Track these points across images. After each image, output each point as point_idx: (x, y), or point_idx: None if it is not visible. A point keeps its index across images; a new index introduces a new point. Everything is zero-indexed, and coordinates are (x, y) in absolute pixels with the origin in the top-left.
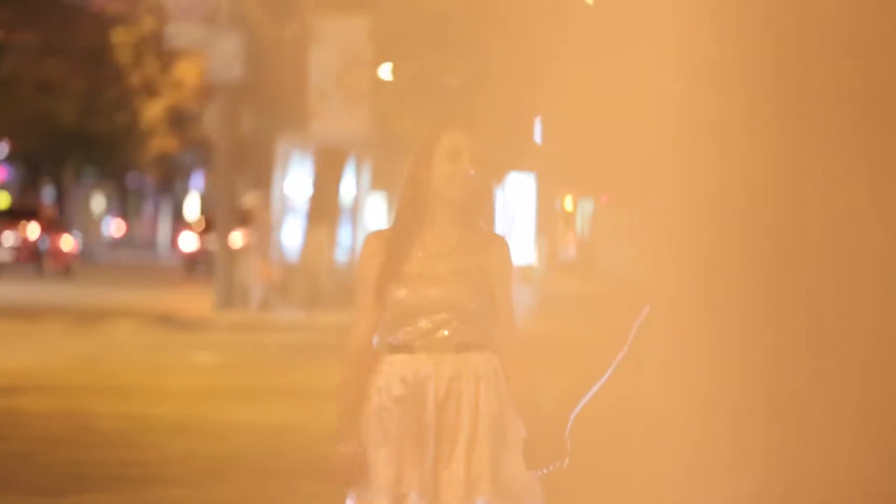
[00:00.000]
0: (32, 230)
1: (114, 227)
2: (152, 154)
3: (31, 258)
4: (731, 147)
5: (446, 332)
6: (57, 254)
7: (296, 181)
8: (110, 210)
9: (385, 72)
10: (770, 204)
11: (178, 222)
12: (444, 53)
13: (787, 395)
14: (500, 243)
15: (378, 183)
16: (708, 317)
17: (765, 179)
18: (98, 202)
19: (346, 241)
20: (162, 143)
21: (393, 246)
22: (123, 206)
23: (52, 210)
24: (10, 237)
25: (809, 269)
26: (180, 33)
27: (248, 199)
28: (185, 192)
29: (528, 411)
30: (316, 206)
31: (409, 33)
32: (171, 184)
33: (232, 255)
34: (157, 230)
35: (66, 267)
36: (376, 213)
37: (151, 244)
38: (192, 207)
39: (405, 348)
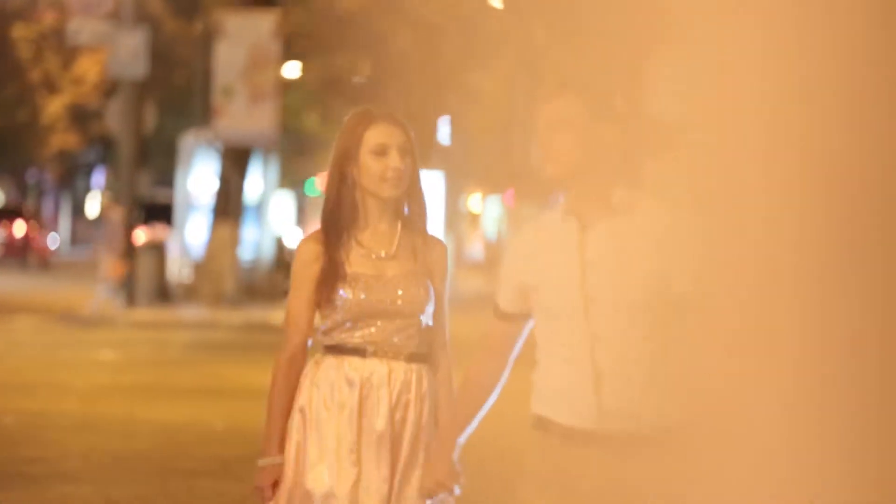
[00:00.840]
0: (19, 228)
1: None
2: (53, 150)
3: (18, 253)
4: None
5: (399, 339)
6: (38, 249)
7: (200, 178)
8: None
9: (292, 69)
10: (869, 203)
11: (79, 219)
12: (352, 51)
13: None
14: (441, 247)
15: (285, 180)
16: (798, 317)
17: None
18: None
19: (252, 239)
20: (62, 139)
21: (332, 248)
22: (22, 202)
23: (33, 209)
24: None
25: None
26: (82, 29)
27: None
28: (86, 189)
29: (444, 429)
30: (221, 203)
31: (316, 31)
32: (71, 181)
33: (137, 251)
34: (57, 227)
35: (45, 261)
36: (283, 211)
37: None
38: (93, 204)
39: (356, 352)
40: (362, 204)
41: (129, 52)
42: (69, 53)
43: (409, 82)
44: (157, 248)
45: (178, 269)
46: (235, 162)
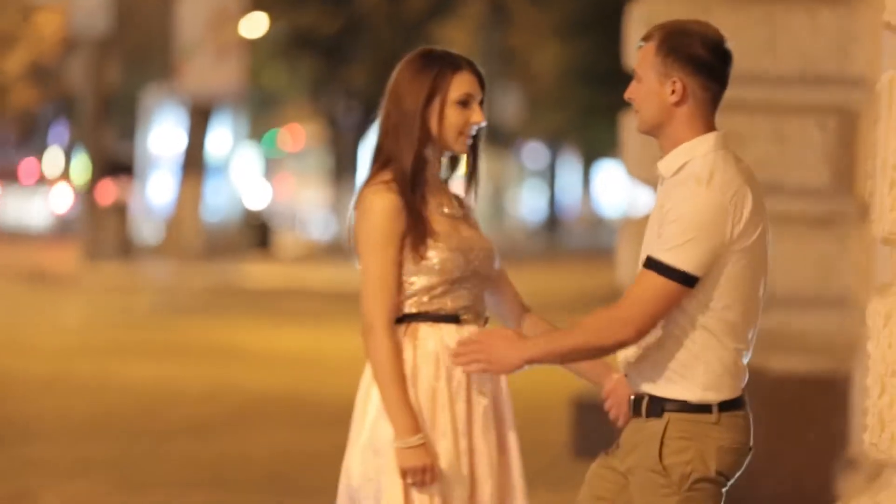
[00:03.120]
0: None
1: None
2: (15, 109)
3: None
4: None
5: (481, 303)
6: None
7: (163, 134)
8: None
9: (258, 24)
10: None
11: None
12: (318, 5)
13: None
14: (467, 202)
15: (254, 135)
16: None
17: None
18: None
19: (219, 196)
20: (25, 95)
21: (413, 203)
22: None
23: None
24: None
25: None
26: None
27: None
28: (43, 146)
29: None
30: (188, 159)
31: None
32: (32, 137)
33: (99, 210)
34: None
35: None
36: (250, 167)
37: None
38: (53, 161)
39: (450, 318)
40: (430, 157)
41: (90, 9)
42: (28, 10)
43: (378, 34)
44: (120, 208)
45: (141, 227)
46: (200, 118)
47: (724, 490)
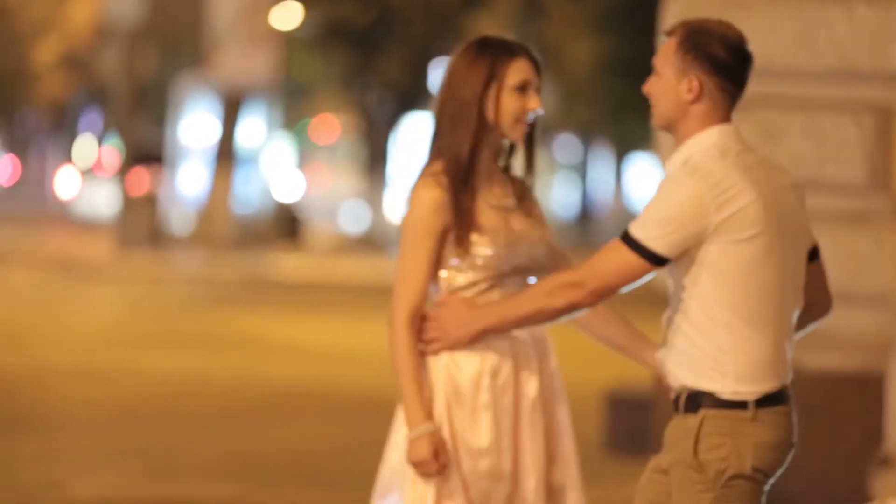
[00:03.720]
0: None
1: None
2: (47, 98)
3: None
4: None
5: None
6: None
7: (195, 124)
8: None
9: (291, 14)
10: None
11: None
12: None
13: None
14: (532, 191)
15: (288, 125)
16: None
17: None
18: None
19: (250, 186)
20: (53, 85)
21: (458, 195)
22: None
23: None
24: None
25: None
26: None
27: None
28: (73, 135)
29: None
30: (221, 149)
31: None
32: (63, 125)
33: (131, 199)
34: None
35: None
36: (284, 157)
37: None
38: (84, 150)
39: None
40: (483, 145)
41: None
42: (60, 0)
43: (411, 26)
44: (151, 197)
45: (171, 217)
46: (234, 108)
47: (764, 488)
